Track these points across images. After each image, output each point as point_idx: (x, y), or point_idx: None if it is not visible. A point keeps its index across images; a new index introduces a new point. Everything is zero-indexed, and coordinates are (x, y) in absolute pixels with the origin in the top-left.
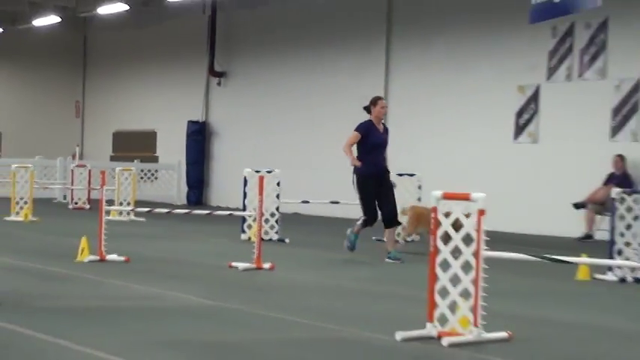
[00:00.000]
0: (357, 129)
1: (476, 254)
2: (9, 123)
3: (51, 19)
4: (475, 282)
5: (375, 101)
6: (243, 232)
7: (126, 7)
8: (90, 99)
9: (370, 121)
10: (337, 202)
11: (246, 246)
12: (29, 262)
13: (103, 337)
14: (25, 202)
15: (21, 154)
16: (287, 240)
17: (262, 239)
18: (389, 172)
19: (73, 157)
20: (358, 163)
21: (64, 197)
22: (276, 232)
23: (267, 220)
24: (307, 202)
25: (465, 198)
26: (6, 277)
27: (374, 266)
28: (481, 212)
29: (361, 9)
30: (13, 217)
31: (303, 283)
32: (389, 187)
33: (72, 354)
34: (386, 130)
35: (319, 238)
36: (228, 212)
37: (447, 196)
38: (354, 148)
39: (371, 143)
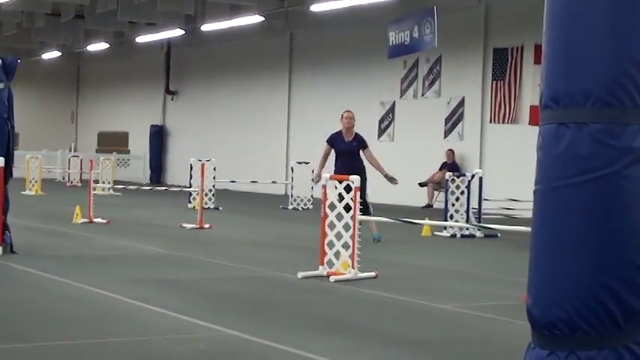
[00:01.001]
0: (327, 140)
1: (353, 217)
2: (24, 126)
3: (54, 54)
4: (352, 237)
5: (342, 115)
6: (190, 202)
7: (107, 46)
8: (82, 109)
9: (340, 131)
10: (255, 182)
11: (192, 212)
12: (38, 223)
13: (92, 276)
14: (36, 181)
15: (32, 147)
16: (221, 208)
17: (203, 207)
18: (364, 171)
19: (70, 150)
20: (316, 179)
21: (63, 178)
22: (213, 203)
23: (206, 194)
24: (234, 181)
25: (345, 179)
26: (22, 234)
27: (284, 226)
28: (356, 189)
29: (272, 49)
30: (27, 192)
31: (233, 238)
32: None
33: (70, 288)
34: (356, 137)
35: (243, 207)
36: (179, 189)
37: (332, 178)
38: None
39: (337, 151)
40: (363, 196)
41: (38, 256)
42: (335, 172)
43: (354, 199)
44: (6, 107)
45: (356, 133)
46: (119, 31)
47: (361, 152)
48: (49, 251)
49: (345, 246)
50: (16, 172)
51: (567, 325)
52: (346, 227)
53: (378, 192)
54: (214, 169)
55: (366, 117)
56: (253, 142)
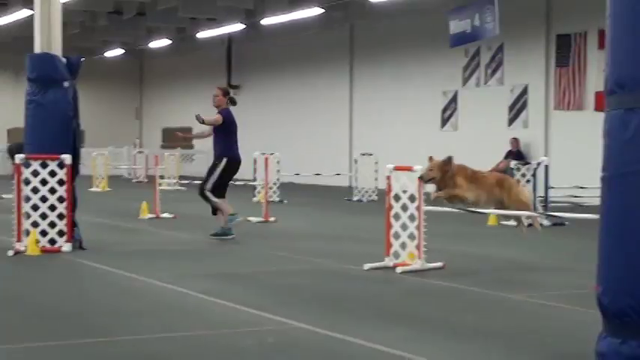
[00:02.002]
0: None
1: (418, 208)
2: (90, 124)
3: (117, 51)
4: (418, 227)
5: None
6: (254, 196)
7: (169, 42)
8: (146, 105)
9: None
10: (319, 174)
11: (257, 206)
12: (106, 219)
13: (160, 271)
14: (103, 178)
15: (98, 144)
16: (285, 201)
17: (268, 201)
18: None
19: (135, 146)
20: (181, 136)
21: (129, 174)
22: (278, 196)
23: (270, 187)
24: (298, 174)
25: (409, 169)
26: (90, 230)
27: (349, 218)
28: (420, 179)
29: (332, 41)
30: (94, 189)
31: (298, 231)
32: None
33: (139, 283)
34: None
35: (308, 199)
36: (243, 182)
37: (397, 168)
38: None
39: (235, 130)
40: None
41: (106, 251)
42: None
43: (419, 191)
44: (71, 106)
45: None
46: (180, 27)
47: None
48: (117, 247)
49: (411, 237)
50: (83, 170)
51: (639, 313)
52: (411, 218)
53: None
54: (278, 162)
55: (428, 106)
56: (316, 134)
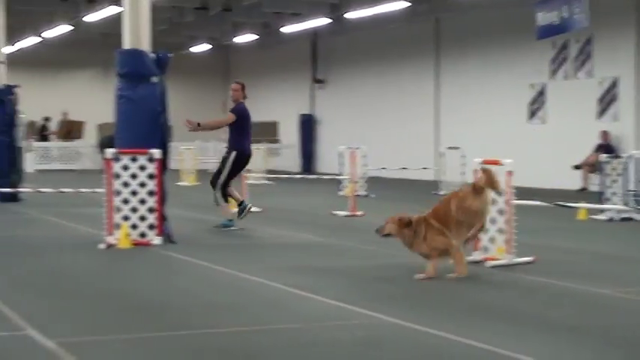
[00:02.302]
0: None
1: (507, 202)
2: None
3: (203, 47)
4: (508, 222)
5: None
6: (340, 190)
7: (255, 37)
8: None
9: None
10: (406, 168)
11: (343, 200)
12: (195, 213)
13: (248, 264)
14: (191, 172)
15: (185, 139)
16: (372, 195)
17: (355, 195)
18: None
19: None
20: (190, 124)
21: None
22: (364, 190)
23: (357, 182)
24: (385, 168)
25: (497, 163)
26: (179, 223)
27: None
28: (509, 173)
29: (417, 34)
30: (182, 183)
31: None
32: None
33: (228, 276)
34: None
35: (394, 193)
36: (330, 177)
37: (485, 162)
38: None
39: (247, 125)
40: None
41: (196, 245)
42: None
43: (507, 185)
44: (160, 101)
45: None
46: (266, 22)
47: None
48: (206, 240)
49: (500, 231)
50: (172, 164)
51: None
52: (500, 212)
53: (532, 175)
54: (364, 156)
55: (514, 100)
56: (402, 128)
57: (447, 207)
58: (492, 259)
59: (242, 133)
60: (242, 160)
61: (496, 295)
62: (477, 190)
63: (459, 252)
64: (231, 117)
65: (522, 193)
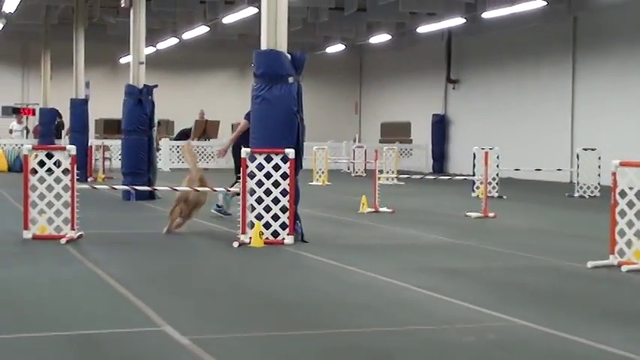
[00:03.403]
0: (247, 117)
1: None
2: (311, 118)
3: (338, 47)
4: None
5: None
6: (473, 191)
7: (389, 37)
8: (365, 100)
9: None
10: (540, 169)
11: (476, 201)
12: (326, 213)
13: (379, 264)
14: (323, 172)
15: (318, 139)
16: (505, 196)
17: (487, 196)
18: None
19: (354, 140)
20: (224, 153)
21: (348, 168)
22: (497, 192)
23: (490, 183)
24: (518, 169)
25: (637, 165)
26: (311, 223)
27: (571, 214)
28: None
29: (554, 33)
30: (314, 183)
31: (519, 227)
32: None
33: (359, 276)
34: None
35: (528, 195)
36: (462, 177)
37: (623, 164)
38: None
39: None
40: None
41: (327, 244)
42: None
43: None
44: (295, 101)
45: None
46: (400, 22)
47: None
48: (338, 240)
49: (638, 234)
50: (304, 164)
51: None
52: (638, 215)
53: None
54: (498, 157)
55: None
56: (536, 129)
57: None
58: (629, 264)
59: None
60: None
61: (632, 300)
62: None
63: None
64: (244, 123)
65: None
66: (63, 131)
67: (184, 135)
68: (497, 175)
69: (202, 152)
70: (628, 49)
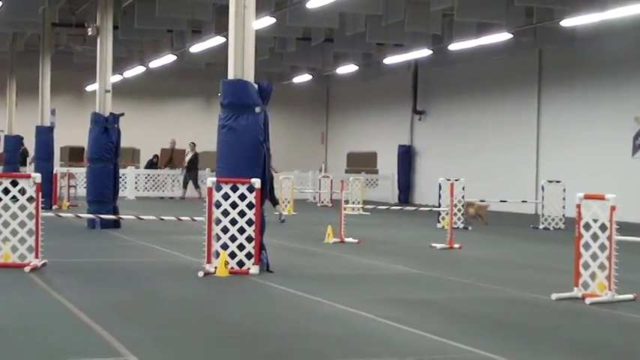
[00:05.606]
0: None
1: (609, 238)
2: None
3: (305, 77)
4: (609, 258)
5: None
6: (439, 222)
7: (356, 68)
8: (331, 130)
9: None
10: (505, 201)
11: (441, 232)
12: (292, 242)
13: (344, 295)
14: (289, 202)
15: (285, 168)
16: (470, 227)
17: (453, 227)
18: None
19: (320, 170)
20: None
21: (314, 198)
22: (462, 223)
23: (455, 214)
24: (483, 200)
25: (601, 198)
26: (277, 253)
27: (536, 246)
28: (613, 208)
29: (520, 66)
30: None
31: (484, 258)
32: None
33: (325, 307)
34: None
35: (493, 226)
36: (428, 208)
37: (588, 197)
38: None
39: None
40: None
41: (293, 275)
42: None
43: (610, 220)
44: (262, 130)
45: None
46: (367, 53)
47: None
48: (304, 270)
49: (602, 267)
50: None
51: None
52: (602, 248)
53: (637, 211)
54: (463, 188)
55: (619, 132)
56: (502, 160)
57: None
58: (592, 296)
59: None
60: None
61: (595, 333)
62: None
63: None
64: None
65: (625, 228)
66: (28, 158)
67: (152, 164)
68: (462, 206)
69: (165, 181)
70: (592, 81)
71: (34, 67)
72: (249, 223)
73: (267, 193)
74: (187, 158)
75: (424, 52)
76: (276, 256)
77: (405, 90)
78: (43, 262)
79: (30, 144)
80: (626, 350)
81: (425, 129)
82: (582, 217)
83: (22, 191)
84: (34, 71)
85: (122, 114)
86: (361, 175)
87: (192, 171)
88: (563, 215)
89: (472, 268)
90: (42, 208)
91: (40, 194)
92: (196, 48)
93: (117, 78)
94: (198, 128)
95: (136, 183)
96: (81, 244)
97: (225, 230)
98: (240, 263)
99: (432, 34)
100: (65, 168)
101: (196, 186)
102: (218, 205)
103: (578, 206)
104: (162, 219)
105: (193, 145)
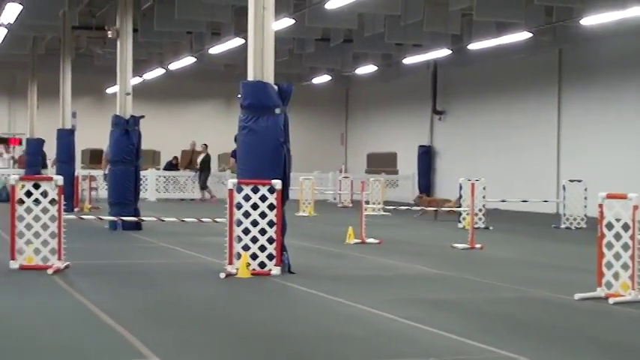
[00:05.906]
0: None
1: (632, 237)
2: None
3: (324, 78)
4: (632, 257)
5: None
6: (459, 222)
7: (375, 68)
8: (351, 131)
9: None
10: (526, 201)
11: (462, 232)
12: (313, 243)
13: (366, 296)
14: (309, 203)
15: (305, 169)
16: (491, 227)
17: (474, 227)
18: None
19: (340, 171)
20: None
21: (334, 199)
22: (483, 222)
23: (476, 214)
24: (504, 200)
25: (623, 197)
26: (298, 255)
27: (557, 246)
28: (635, 207)
29: (540, 65)
30: (301, 213)
31: (505, 258)
32: None
33: (346, 307)
34: None
35: (514, 226)
36: (449, 208)
37: (610, 196)
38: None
39: None
40: None
41: (314, 276)
42: None
43: (632, 219)
44: (282, 132)
45: None
46: (386, 54)
47: None
48: (324, 271)
49: (625, 266)
50: (291, 194)
51: None
52: (625, 247)
53: None
54: (484, 188)
55: (638, 131)
56: (523, 159)
57: None
58: (616, 296)
59: None
60: None
61: (618, 333)
62: None
63: None
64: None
65: None
66: (49, 161)
67: (171, 165)
68: (483, 205)
69: (185, 182)
70: (613, 80)
71: (54, 70)
72: (271, 224)
73: (288, 194)
74: (200, 159)
75: (443, 52)
76: (298, 257)
77: (425, 90)
78: (66, 264)
79: (51, 147)
80: None
81: (445, 129)
82: (604, 216)
83: (45, 194)
84: (55, 74)
85: (142, 116)
86: (381, 176)
87: (204, 172)
88: (585, 215)
89: (494, 268)
90: (64, 210)
91: (62, 197)
92: (216, 50)
93: (137, 80)
94: (218, 130)
95: (156, 185)
96: (103, 246)
97: (246, 232)
98: (262, 264)
99: (451, 34)
100: (86, 170)
101: (204, 187)
102: (239, 206)
103: (601, 206)
104: (184, 220)
105: (205, 146)
